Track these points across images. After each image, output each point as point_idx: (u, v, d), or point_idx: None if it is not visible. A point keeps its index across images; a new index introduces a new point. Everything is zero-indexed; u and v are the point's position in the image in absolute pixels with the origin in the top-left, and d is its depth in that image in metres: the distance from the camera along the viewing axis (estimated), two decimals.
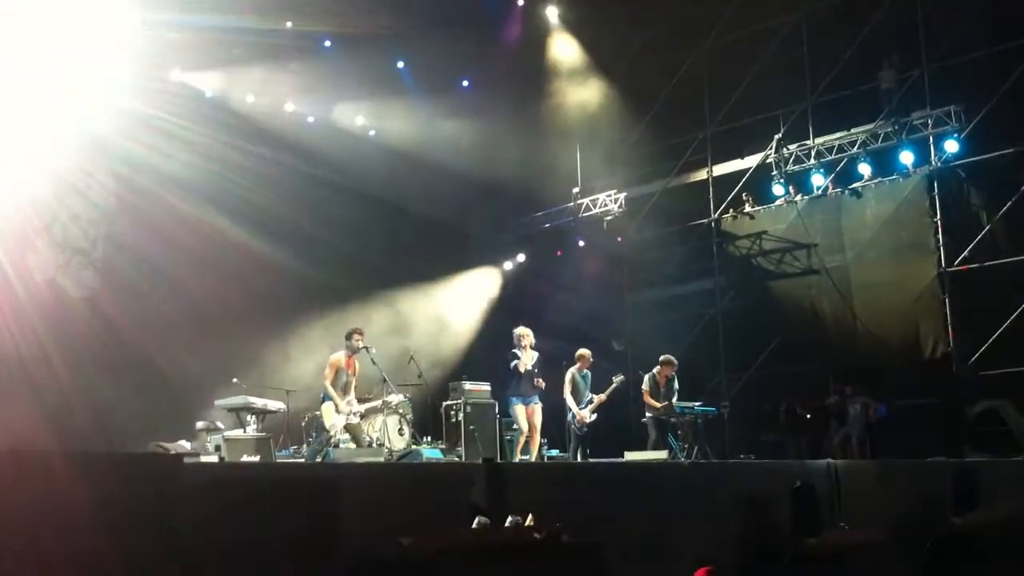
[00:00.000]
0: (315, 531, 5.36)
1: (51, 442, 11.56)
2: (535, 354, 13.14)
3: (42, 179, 16.10)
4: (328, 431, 12.32)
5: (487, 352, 18.75)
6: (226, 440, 11.72)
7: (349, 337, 12.65)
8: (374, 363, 12.73)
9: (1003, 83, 15.69)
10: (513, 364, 12.90)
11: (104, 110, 16.33)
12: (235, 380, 13.54)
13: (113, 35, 14.94)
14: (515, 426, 13.88)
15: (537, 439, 13.23)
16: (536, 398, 13.09)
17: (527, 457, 13.11)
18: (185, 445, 11.98)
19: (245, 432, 12.23)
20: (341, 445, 12.36)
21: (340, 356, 12.57)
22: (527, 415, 12.98)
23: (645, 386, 14.28)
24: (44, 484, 4.44)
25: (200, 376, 14.77)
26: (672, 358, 14.39)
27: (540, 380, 13.12)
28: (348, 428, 12.51)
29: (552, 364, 13.99)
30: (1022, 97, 15.70)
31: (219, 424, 12.76)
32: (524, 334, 13.23)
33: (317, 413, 13.05)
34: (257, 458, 11.18)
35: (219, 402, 12.99)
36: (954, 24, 16.36)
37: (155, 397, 14.56)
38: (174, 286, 16.38)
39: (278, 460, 11.88)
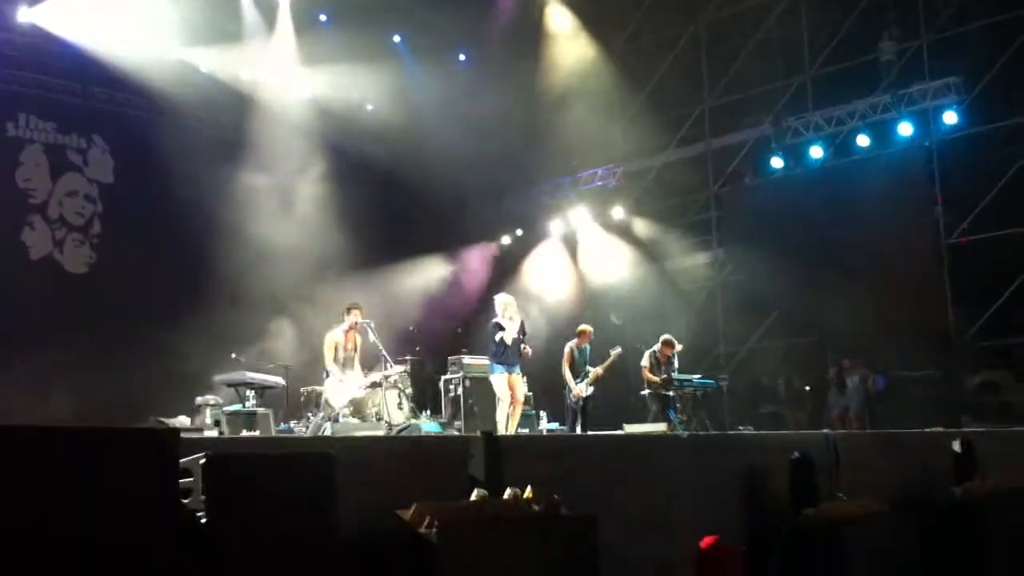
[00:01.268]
0: (314, 505, 5.36)
1: (49, 418, 11.62)
2: (519, 321, 12.86)
3: (38, 156, 16.10)
4: (331, 406, 12.35)
5: (485, 326, 18.77)
6: (226, 415, 11.73)
7: (347, 312, 12.67)
8: (373, 338, 12.73)
9: (1002, 54, 15.61)
10: (499, 336, 12.64)
11: (104, 85, 16.33)
12: (233, 355, 13.54)
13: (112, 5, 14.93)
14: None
15: (519, 410, 13.02)
16: (518, 367, 12.90)
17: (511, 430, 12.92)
18: (185, 420, 11.99)
19: (244, 407, 12.24)
20: (341, 419, 12.38)
21: (337, 333, 12.57)
22: (509, 384, 12.72)
23: (645, 362, 14.28)
24: (42, 458, 4.44)
25: (199, 352, 14.77)
26: (673, 339, 14.38)
27: (527, 348, 12.86)
28: (353, 402, 12.52)
29: (555, 340, 13.89)
30: (1021, 69, 15.64)
31: (219, 399, 12.77)
32: (507, 303, 12.91)
33: (315, 389, 13.05)
34: (256, 433, 11.20)
35: (218, 377, 12.99)
36: None
37: (154, 373, 14.56)
38: (171, 262, 16.39)
39: (276, 435, 11.90)
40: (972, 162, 16.41)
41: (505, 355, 12.61)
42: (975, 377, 15.97)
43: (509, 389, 12.58)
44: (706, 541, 7.34)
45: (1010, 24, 15.66)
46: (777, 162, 18.32)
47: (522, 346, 12.76)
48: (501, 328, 12.60)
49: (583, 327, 14.20)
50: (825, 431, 10.69)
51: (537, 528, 6.06)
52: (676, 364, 14.30)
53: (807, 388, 17.50)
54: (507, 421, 12.63)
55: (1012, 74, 15.64)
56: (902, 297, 16.57)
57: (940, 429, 11.43)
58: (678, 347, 14.37)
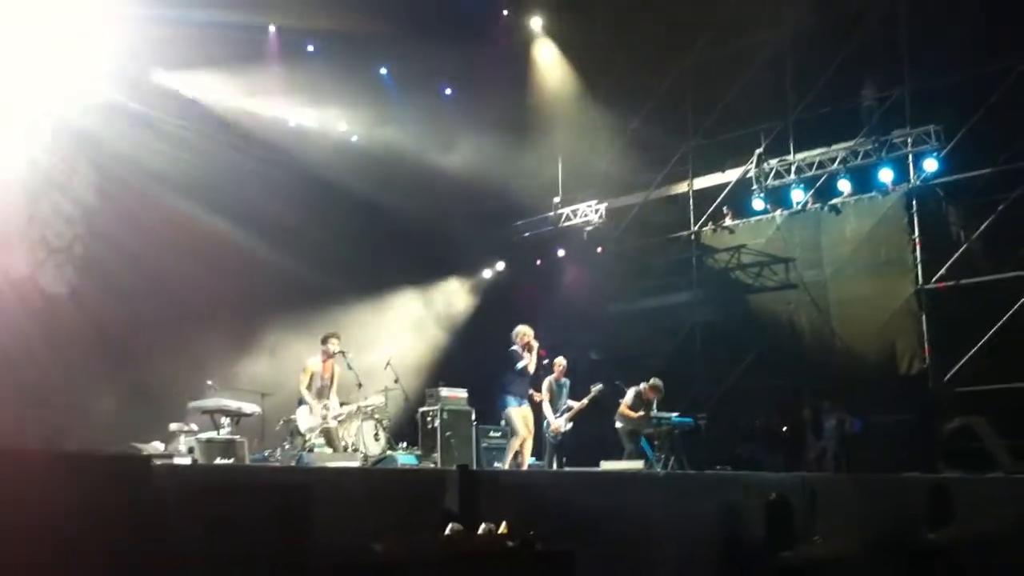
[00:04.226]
0: (286, 535, 5.31)
1: (25, 440, 11.48)
2: (535, 350, 12.83)
3: (21, 174, 16.00)
4: (303, 435, 12.28)
5: (465, 359, 18.73)
6: (199, 442, 11.63)
7: (324, 342, 12.63)
8: (350, 368, 12.68)
9: (982, 104, 15.79)
10: (522, 365, 12.54)
11: (87, 105, 16.27)
12: (209, 382, 13.45)
13: (95, 29, 14.88)
14: (495, 433, 13.82)
15: (530, 444, 12.98)
16: (527, 401, 12.90)
17: (528, 462, 12.93)
18: (159, 446, 11.88)
19: (219, 434, 12.14)
20: (315, 450, 12.30)
21: (315, 361, 12.54)
22: (522, 417, 12.68)
23: (628, 399, 14.29)
24: (15, 481, 4.39)
25: (176, 377, 14.66)
26: (662, 386, 14.42)
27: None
28: (324, 432, 12.46)
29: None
30: (1001, 117, 15.83)
31: (193, 426, 12.66)
32: (525, 333, 12.91)
33: (293, 417, 12.99)
34: (231, 461, 11.10)
35: (193, 404, 12.89)
36: (935, 44, 16.48)
37: (130, 397, 14.43)
38: (153, 285, 16.29)
39: (251, 463, 11.80)
40: (950, 209, 16.56)
41: (520, 387, 12.58)
42: (951, 422, 16.01)
43: (524, 423, 12.56)
44: None
45: (990, 74, 15.87)
46: (758, 204, 18.44)
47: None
48: (521, 357, 12.55)
49: (558, 360, 14.21)
50: (802, 473, 10.70)
51: (512, 564, 6.01)
52: (655, 409, 14.34)
53: (784, 429, 17.49)
54: (509, 457, 12.65)
55: (991, 123, 15.82)
56: (880, 341, 16.65)
57: (916, 474, 11.45)
58: (659, 397, 14.42)
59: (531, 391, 13.05)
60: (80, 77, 15.54)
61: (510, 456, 12.77)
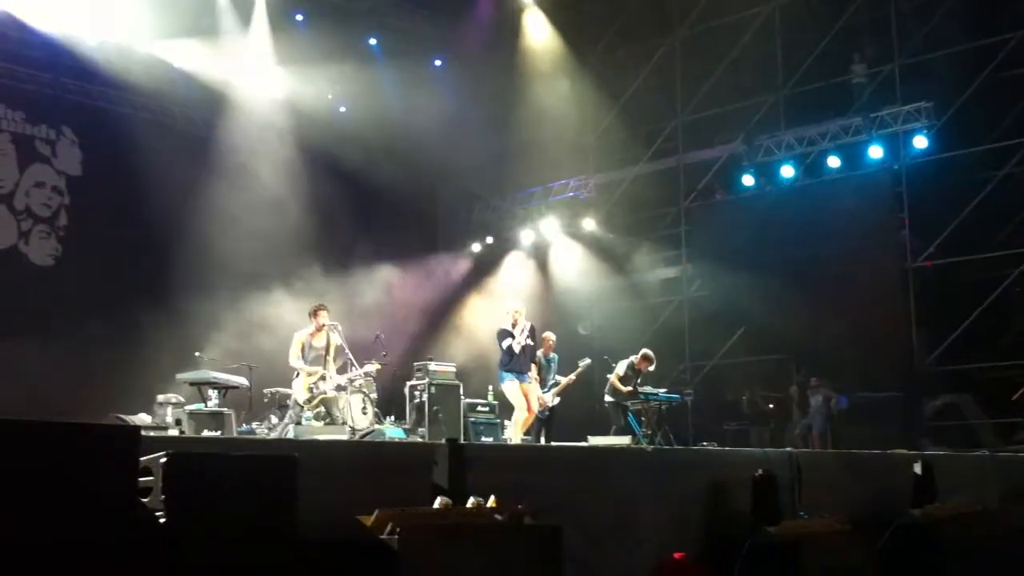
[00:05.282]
0: (275, 508, 5.29)
1: (5, 411, 11.41)
2: (528, 327, 12.71)
3: (5, 145, 15.89)
4: (301, 405, 12.22)
5: (454, 333, 18.73)
6: (187, 414, 11.61)
7: (314, 315, 12.56)
8: (340, 341, 12.63)
9: (972, 81, 15.80)
10: (506, 344, 12.55)
11: (75, 76, 16.15)
12: (197, 354, 13.40)
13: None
14: (482, 407, 13.85)
15: (531, 418, 12.90)
16: (529, 376, 12.84)
17: (529, 437, 12.89)
18: (145, 418, 11.83)
19: (207, 407, 12.11)
20: (304, 422, 12.26)
21: (303, 333, 12.47)
22: (523, 392, 12.55)
23: (620, 370, 14.28)
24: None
25: (162, 349, 14.63)
26: (653, 356, 14.41)
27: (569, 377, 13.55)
28: (324, 402, 12.38)
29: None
30: (991, 95, 15.84)
31: (180, 398, 12.62)
32: (516, 311, 12.75)
33: (279, 390, 12.94)
34: (218, 433, 11.08)
35: (181, 376, 12.84)
36: (926, 20, 16.46)
37: (116, 369, 14.39)
38: (137, 257, 16.23)
39: (238, 435, 11.78)
40: (940, 187, 16.60)
41: (515, 363, 12.51)
42: (936, 400, 16.12)
43: (524, 397, 12.50)
44: (675, 557, 7.34)
45: (981, 51, 15.88)
46: (748, 180, 18.43)
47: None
48: (509, 335, 12.49)
49: (546, 335, 14.17)
50: (788, 449, 10.75)
51: (500, 537, 6.01)
52: (643, 385, 14.38)
53: (771, 406, 17.58)
54: (519, 430, 12.60)
55: (982, 101, 15.85)
56: (867, 318, 16.71)
57: (902, 451, 11.51)
58: (651, 367, 14.42)
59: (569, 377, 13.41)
60: (65, 45, 15.41)
61: (517, 431, 12.65)
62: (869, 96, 17.19)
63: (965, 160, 16.19)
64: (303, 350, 12.35)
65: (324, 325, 12.50)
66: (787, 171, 17.93)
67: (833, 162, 17.31)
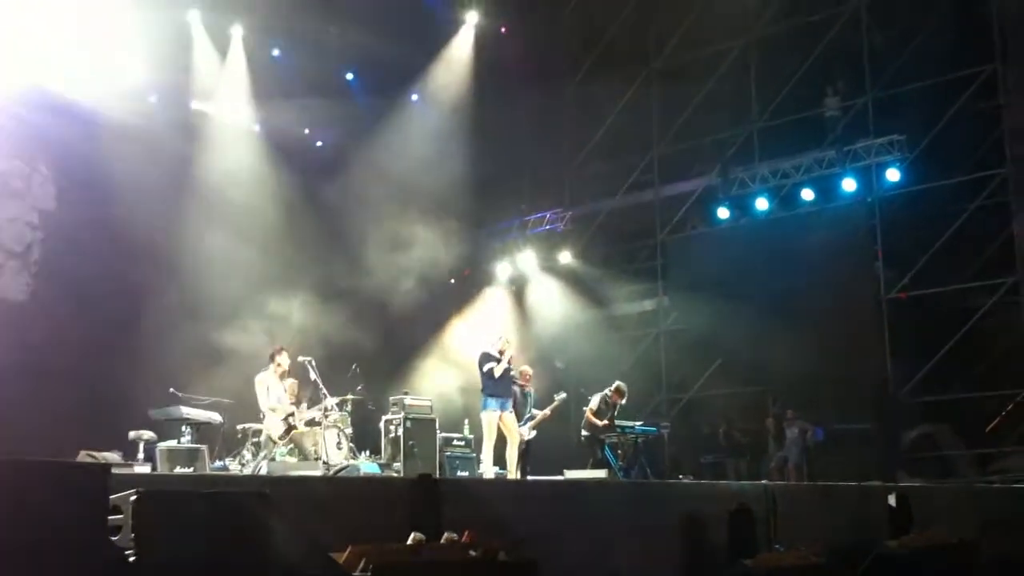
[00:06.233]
0: (247, 545, 5.24)
1: None
2: (509, 355, 12.75)
3: None
4: (274, 440, 12.12)
5: (432, 366, 18.65)
6: (160, 451, 11.48)
7: (271, 359, 12.48)
8: (314, 376, 12.55)
9: (945, 114, 15.96)
10: (488, 367, 12.52)
11: (46, 110, 16.06)
12: (172, 390, 13.28)
13: (54, 31, 14.74)
14: (458, 442, 13.78)
15: (515, 449, 12.87)
16: (510, 403, 12.84)
17: (504, 471, 12.83)
18: (115, 456, 11.69)
19: (179, 443, 11.99)
20: (278, 458, 12.16)
21: (267, 375, 12.38)
22: (501, 422, 12.55)
23: (594, 405, 14.25)
24: None
25: (136, 384, 14.48)
26: (625, 388, 14.40)
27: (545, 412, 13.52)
28: (293, 439, 12.29)
29: None
30: (963, 128, 16.00)
31: (152, 435, 12.49)
32: (506, 340, 12.89)
33: (252, 426, 12.83)
34: (191, 469, 10.97)
35: (153, 412, 12.73)
36: (898, 54, 16.65)
37: (87, 405, 14.23)
38: (112, 292, 16.09)
39: (211, 472, 11.66)
40: (913, 219, 16.72)
41: (498, 387, 12.49)
42: (912, 431, 16.15)
43: (499, 429, 12.46)
44: None
45: (953, 84, 16.05)
46: (724, 212, 18.51)
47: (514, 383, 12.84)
48: (493, 360, 12.48)
49: (523, 368, 14.16)
50: (764, 482, 10.76)
51: (475, 573, 5.97)
52: (617, 411, 14.34)
53: (746, 439, 17.58)
54: (491, 460, 12.55)
55: (954, 134, 16.00)
56: (842, 350, 16.76)
57: (877, 483, 11.53)
58: (623, 400, 14.40)
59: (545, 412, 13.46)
60: (41, 79, 15.35)
61: (487, 462, 12.63)
62: (842, 129, 17.34)
63: (938, 192, 16.32)
64: (268, 392, 12.26)
65: (285, 368, 12.42)
66: (762, 203, 18.03)
67: (807, 195, 17.43)
